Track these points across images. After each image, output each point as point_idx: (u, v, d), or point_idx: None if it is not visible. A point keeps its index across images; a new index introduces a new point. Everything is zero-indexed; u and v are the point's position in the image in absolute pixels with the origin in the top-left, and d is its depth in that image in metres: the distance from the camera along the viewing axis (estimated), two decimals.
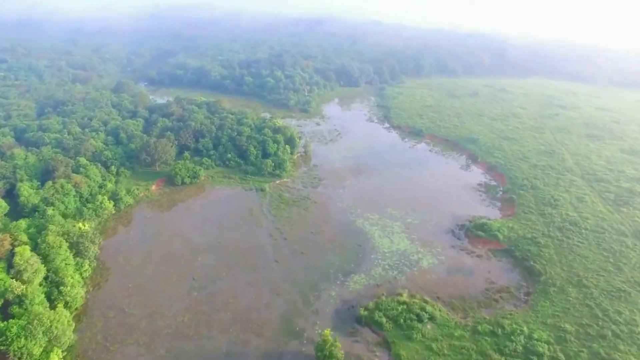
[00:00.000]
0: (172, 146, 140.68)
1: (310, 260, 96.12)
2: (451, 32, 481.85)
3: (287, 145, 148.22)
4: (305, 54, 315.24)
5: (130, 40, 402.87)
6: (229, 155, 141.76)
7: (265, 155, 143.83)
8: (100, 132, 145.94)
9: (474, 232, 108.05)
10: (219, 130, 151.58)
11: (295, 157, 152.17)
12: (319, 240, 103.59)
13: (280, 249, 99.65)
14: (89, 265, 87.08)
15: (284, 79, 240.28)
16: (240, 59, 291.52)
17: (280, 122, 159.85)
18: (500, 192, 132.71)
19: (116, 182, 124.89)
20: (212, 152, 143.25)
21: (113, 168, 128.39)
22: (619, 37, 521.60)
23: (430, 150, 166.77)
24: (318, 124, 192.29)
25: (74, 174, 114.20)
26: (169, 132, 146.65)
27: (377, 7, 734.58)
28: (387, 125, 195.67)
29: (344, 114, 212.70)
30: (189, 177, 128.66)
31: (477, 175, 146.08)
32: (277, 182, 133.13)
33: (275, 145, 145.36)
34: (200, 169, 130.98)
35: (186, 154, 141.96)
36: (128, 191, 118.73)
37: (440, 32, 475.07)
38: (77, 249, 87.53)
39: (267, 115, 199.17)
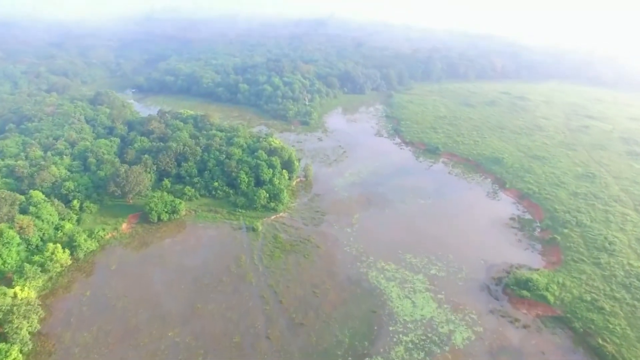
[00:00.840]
0: (149, 172, 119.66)
1: (311, 336, 74.69)
2: (460, 33, 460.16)
3: (284, 170, 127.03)
4: (306, 58, 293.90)
5: (122, 43, 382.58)
6: (216, 184, 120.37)
7: (259, 183, 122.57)
8: (65, 156, 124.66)
9: (516, 290, 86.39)
10: (206, 152, 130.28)
11: (294, 183, 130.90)
12: (322, 304, 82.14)
13: (273, 319, 78.23)
14: (19, 352, 65.97)
15: (283, 87, 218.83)
16: (236, 64, 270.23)
17: (276, 142, 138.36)
18: (538, 229, 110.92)
19: (78, 221, 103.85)
20: (196, 180, 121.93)
21: (76, 203, 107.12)
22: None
23: (449, 173, 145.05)
24: (320, 139, 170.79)
25: (21, 215, 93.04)
26: (146, 155, 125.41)
27: (381, 7, 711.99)
28: (398, 140, 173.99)
29: (349, 126, 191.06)
30: (167, 212, 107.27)
31: (507, 205, 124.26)
32: (272, 217, 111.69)
33: (271, 170, 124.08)
34: (180, 203, 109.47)
35: (166, 181, 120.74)
36: (91, 233, 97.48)
37: (449, 34, 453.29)
38: (2, 328, 66.47)
39: (263, 129, 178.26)
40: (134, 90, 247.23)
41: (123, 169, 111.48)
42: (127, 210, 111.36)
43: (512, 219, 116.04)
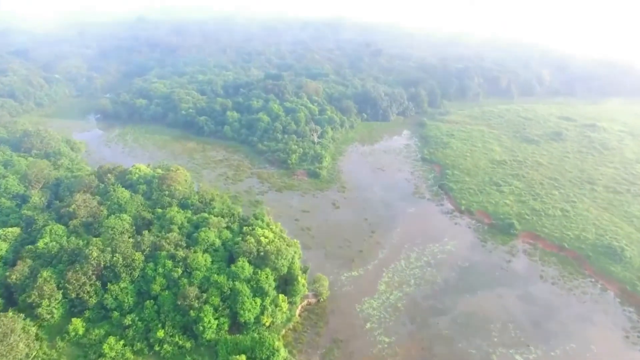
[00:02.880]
0: (47, 306, 68.49)
1: None
2: (488, 39, 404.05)
3: (280, 296, 75.23)
4: (313, 71, 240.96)
5: (100, 51, 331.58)
6: (161, 333, 68.59)
7: (237, 326, 71.00)
8: None
9: None
10: (150, 259, 78.76)
11: (298, 312, 78.78)
12: None
13: None
14: None
15: (283, 116, 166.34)
16: (227, 81, 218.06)
17: (269, 235, 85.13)
18: None
19: None
20: (129, 319, 70.31)
21: None
22: None
23: (542, 277, 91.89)
24: (336, 206, 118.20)
25: None
26: (47, 271, 73.86)
27: (392, 7, 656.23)
28: (448, 206, 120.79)
29: (375, 178, 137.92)
30: None
31: None
32: None
33: (257, 300, 72.34)
34: None
35: (76, 322, 69.32)
36: None
37: (476, 39, 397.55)
38: None
39: (255, 186, 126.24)
40: (98, 116, 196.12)
41: None
42: None
43: None
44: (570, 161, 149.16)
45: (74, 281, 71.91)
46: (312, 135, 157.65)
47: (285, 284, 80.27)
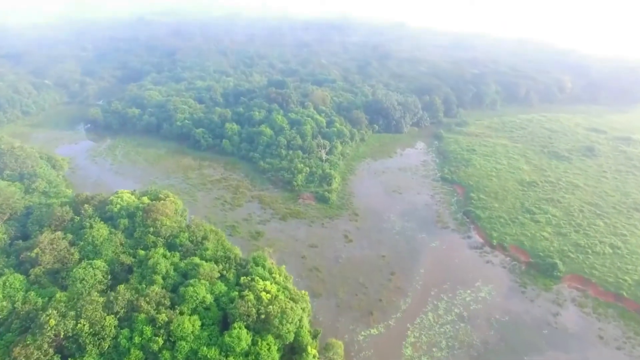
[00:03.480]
0: None
1: None
2: (499, 39, 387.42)
3: None
4: (319, 77, 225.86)
5: (97, 54, 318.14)
6: None
7: None
8: None
9: None
10: (126, 323, 63.92)
11: None
12: None
13: None
14: None
15: (288, 129, 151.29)
16: (227, 87, 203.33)
17: (271, 291, 69.41)
18: None
19: None
20: None
21: None
22: None
23: (601, 338, 76.26)
24: (348, 239, 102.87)
25: None
26: None
27: (398, 7, 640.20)
28: (476, 239, 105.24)
29: (390, 202, 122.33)
30: None
31: None
32: None
33: None
34: None
35: None
36: None
37: (486, 40, 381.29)
38: None
39: (255, 212, 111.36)
40: (87, 126, 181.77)
41: None
42: None
43: None
44: (609, 182, 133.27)
45: (23, 359, 57.13)
46: (320, 151, 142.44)
47: (292, 353, 65.31)
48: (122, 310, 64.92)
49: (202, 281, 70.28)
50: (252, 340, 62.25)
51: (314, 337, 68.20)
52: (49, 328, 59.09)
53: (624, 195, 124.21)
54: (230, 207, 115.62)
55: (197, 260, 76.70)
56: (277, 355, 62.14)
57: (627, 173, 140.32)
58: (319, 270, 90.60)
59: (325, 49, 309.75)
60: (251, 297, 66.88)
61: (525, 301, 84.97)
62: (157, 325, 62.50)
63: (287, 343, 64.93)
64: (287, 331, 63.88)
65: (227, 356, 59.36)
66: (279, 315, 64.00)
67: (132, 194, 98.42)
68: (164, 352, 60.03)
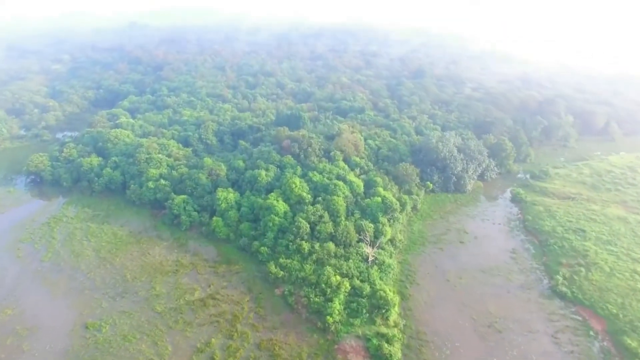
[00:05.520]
0: None
1: None
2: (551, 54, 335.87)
3: None
4: (341, 104, 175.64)
5: (73, 66, 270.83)
6: None
7: None
8: None
9: None
10: None
11: None
12: None
13: None
14: None
15: (310, 200, 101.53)
16: (221, 123, 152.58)
17: None
18: None
19: None
20: None
21: None
22: None
23: None
24: None
25: None
26: None
27: (419, 10, 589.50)
28: None
29: (488, 354, 72.92)
30: None
31: None
32: None
33: None
34: None
35: None
36: None
37: (541, 59, 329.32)
38: None
39: None
40: (30, 179, 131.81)
41: None
42: None
43: None
44: None
45: None
46: (362, 242, 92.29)
47: None
48: None
49: None
50: None
51: None
52: None
53: None
54: None
55: None
56: None
57: None
58: None
59: (343, 62, 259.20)
60: None
61: None
62: None
63: None
64: None
65: None
66: None
67: None
68: None
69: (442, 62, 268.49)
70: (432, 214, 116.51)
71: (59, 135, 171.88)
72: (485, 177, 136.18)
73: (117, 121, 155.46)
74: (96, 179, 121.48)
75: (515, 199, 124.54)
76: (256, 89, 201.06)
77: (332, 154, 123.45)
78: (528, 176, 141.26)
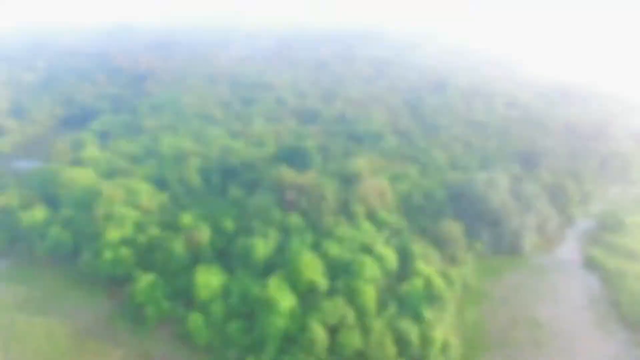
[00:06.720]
0: None
1: None
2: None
3: None
4: (355, 127, 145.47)
5: (47, 75, 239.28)
6: None
7: None
8: None
9: None
10: None
11: None
12: None
13: None
14: None
15: (326, 287, 72.12)
16: (209, 154, 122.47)
17: None
18: None
19: None
20: None
21: None
22: None
23: None
24: None
25: None
26: None
27: (427, 14, 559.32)
28: None
29: None
30: None
31: None
32: None
33: None
34: None
35: None
36: None
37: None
38: None
39: None
40: None
41: None
42: None
43: None
44: None
45: None
46: None
47: None
48: None
49: None
50: None
51: None
52: None
53: None
54: None
55: None
56: None
57: None
58: None
59: (352, 72, 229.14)
60: None
61: None
62: None
63: None
64: None
65: None
66: None
67: None
68: None
69: (463, 70, 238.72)
70: (488, 291, 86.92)
71: (13, 166, 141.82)
72: (544, 232, 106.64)
73: (80, 153, 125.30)
74: (39, 240, 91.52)
75: (592, 265, 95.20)
76: (252, 106, 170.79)
77: (348, 205, 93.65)
78: (595, 225, 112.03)
